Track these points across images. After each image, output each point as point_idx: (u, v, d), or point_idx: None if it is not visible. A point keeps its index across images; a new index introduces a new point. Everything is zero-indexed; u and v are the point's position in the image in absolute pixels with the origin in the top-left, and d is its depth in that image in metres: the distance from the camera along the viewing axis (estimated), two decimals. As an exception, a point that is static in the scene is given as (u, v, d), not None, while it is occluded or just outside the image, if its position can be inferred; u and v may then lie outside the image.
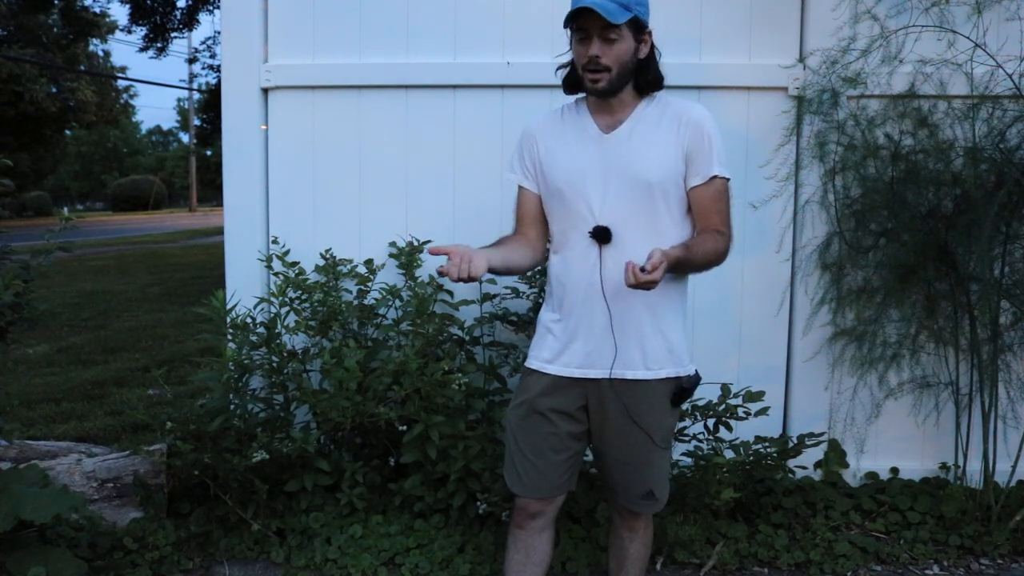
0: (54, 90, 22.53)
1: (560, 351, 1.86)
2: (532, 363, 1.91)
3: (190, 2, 12.27)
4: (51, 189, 38.52)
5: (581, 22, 1.71)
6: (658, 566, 2.62)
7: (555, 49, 2.90)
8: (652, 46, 1.81)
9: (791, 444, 2.69)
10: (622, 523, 2.01)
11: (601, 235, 1.77)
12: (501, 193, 3.07)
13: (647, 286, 1.57)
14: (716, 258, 1.79)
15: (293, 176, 3.09)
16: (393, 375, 2.63)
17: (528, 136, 1.93)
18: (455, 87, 3.05)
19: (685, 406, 2.65)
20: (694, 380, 1.85)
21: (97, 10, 20.20)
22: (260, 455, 2.54)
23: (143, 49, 13.12)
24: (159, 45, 12.89)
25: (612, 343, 1.79)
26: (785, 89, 2.98)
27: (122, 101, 28.43)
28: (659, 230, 1.78)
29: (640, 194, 1.77)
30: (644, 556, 2.06)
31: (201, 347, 5.65)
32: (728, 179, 1.81)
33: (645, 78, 1.81)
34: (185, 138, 46.39)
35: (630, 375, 1.81)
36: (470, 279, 1.68)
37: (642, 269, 1.55)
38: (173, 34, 12.85)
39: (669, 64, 2.93)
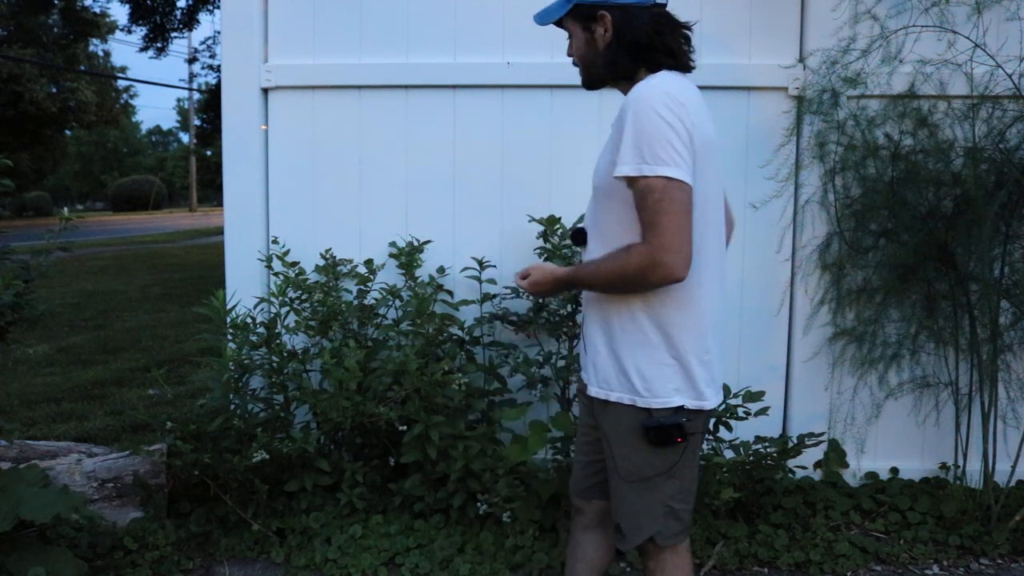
0: (54, 90, 22.55)
1: None
2: None
3: (190, 2, 12.28)
4: (51, 189, 38.50)
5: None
6: (658, 566, 2.61)
7: (555, 49, 2.93)
8: (617, 29, 1.62)
9: (791, 444, 2.69)
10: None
11: (574, 237, 1.74)
12: (501, 193, 3.08)
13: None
14: (624, 278, 1.51)
15: (293, 176, 3.09)
16: (393, 375, 2.63)
17: None
18: (455, 87, 3.05)
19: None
20: (672, 418, 1.56)
21: (97, 10, 20.26)
22: (260, 455, 2.54)
23: (143, 49, 13.14)
24: (159, 45, 12.91)
25: (585, 352, 1.74)
26: (785, 89, 2.99)
27: (122, 101, 28.45)
28: (605, 235, 1.62)
29: (594, 197, 1.67)
30: None
31: (201, 347, 5.65)
32: (656, 177, 1.44)
33: (618, 67, 1.65)
34: (185, 138, 46.46)
35: (589, 390, 1.69)
36: None
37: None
38: (173, 34, 12.88)
39: (669, 64, 2.98)
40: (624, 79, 1.65)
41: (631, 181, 1.48)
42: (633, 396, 1.59)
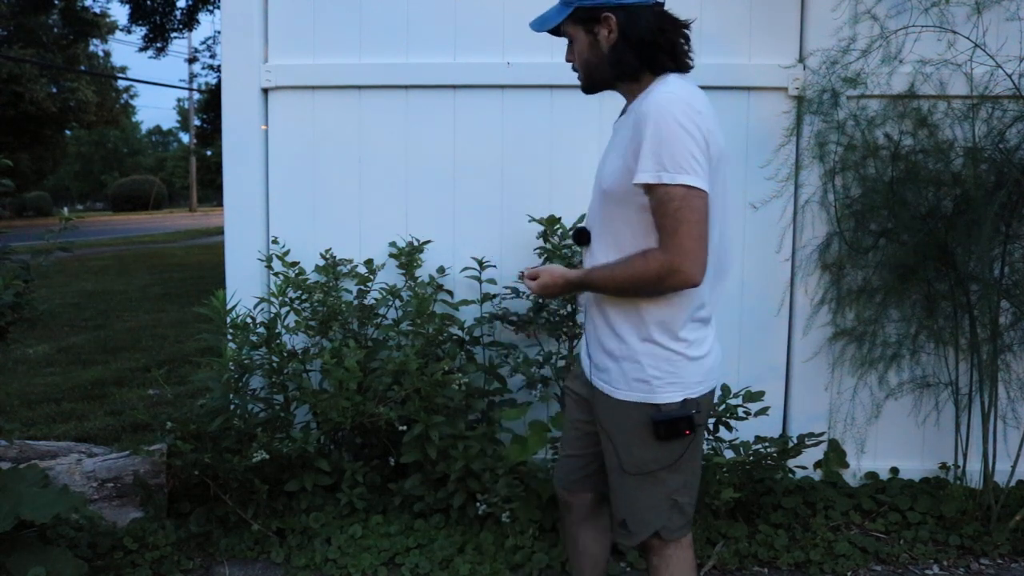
0: (54, 90, 22.54)
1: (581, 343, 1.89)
2: None
3: (190, 2, 12.29)
4: (51, 189, 38.49)
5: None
6: (658, 566, 2.61)
7: (555, 50, 2.92)
8: (622, 29, 1.61)
9: (791, 444, 2.69)
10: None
11: (577, 237, 1.75)
12: (501, 193, 3.08)
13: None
14: (641, 283, 1.54)
15: (293, 176, 3.09)
16: (393, 375, 2.63)
17: None
18: (455, 87, 3.05)
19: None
20: (681, 411, 1.59)
21: (97, 10, 20.26)
22: (260, 455, 2.54)
23: (143, 49, 13.15)
24: (159, 45, 12.93)
25: (588, 350, 1.76)
26: (785, 89, 2.99)
27: (122, 101, 28.43)
28: (616, 239, 1.63)
29: (601, 200, 1.66)
30: None
31: (201, 347, 5.65)
32: (677, 185, 1.46)
33: (623, 66, 1.63)
34: (185, 138, 46.45)
35: (593, 381, 1.72)
36: None
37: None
38: (173, 34, 12.89)
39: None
40: (628, 80, 1.66)
41: (650, 188, 1.50)
42: (640, 393, 1.61)
